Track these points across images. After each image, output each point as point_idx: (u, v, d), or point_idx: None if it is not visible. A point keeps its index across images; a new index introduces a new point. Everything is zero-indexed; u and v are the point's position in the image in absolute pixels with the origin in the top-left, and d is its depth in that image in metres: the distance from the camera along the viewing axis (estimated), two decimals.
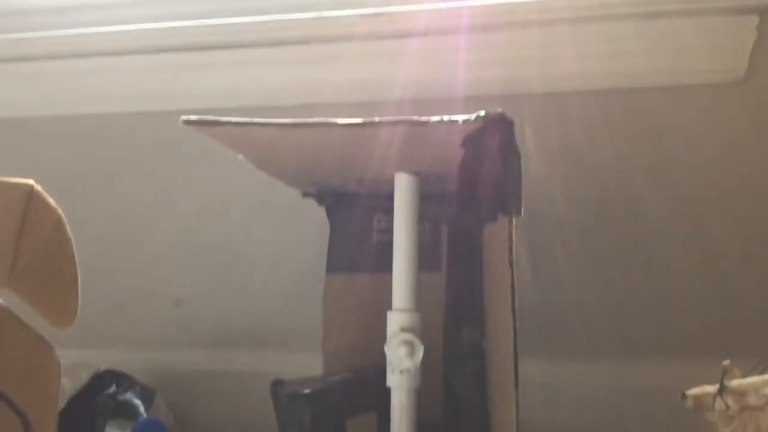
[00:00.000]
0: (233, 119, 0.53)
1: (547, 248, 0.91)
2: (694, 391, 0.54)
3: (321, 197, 0.81)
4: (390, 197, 0.66)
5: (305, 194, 0.81)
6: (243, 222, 1.03)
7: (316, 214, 0.81)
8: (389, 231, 0.67)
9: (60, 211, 0.35)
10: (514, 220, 0.50)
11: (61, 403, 0.86)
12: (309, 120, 0.53)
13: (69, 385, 0.92)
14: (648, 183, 0.92)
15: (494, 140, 0.53)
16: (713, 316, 0.92)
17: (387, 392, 0.63)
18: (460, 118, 0.51)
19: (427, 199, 0.70)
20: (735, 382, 0.48)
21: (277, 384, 0.70)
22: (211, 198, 1.04)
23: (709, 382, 0.55)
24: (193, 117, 0.53)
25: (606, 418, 0.89)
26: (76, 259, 0.35)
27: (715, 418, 0.51)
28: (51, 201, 0.35)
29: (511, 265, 0.48)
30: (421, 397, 0.63)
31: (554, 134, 0.92)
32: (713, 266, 0.91)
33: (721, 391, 0.49)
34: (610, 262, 0.94)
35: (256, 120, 0.53)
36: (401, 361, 0.61)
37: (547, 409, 0.90)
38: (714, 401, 0.50)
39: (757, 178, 0.90)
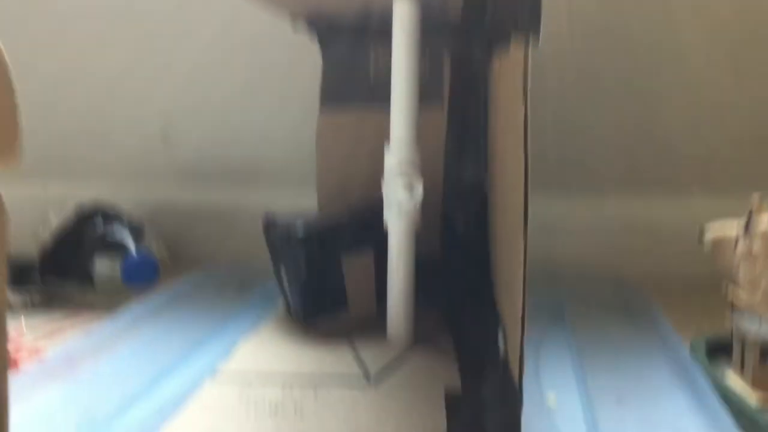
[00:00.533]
0: None
1: (551, 75, 0.85)
2: (713, 226, 0.51)
3: (313, 29, 0.73)
4: (387, 26, 0.59)
5: (296, 25, 0.73)
6: (234, 52, 0.96)
7: (309, 50, 0.74)
8: (387, 63, 0.61)
9: None
10: (530, 42, 0.43)
11: (47, 236, 0.84)
12: None
13: (54, 217, 0.89)
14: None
15: None
16: (733, 151, 0.88)
17: (384, 231, 0.60)
18: None
19: (428, 28, 0.63)
20: (764, 220, 0.45)
21: (270, 219, 0.67)
22: (198, 26, 0.95)
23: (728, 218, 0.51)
24: None
25: (613, 255, 0.88)
26: (15, 88, 0.29)
27: (738, 257, 0.48)
28: None
29: (525, 94, 0.42)
30: (418, 235, 0.60)
31: None
32: (739, 92, 0.86)
33: (748, 228, 0.46)
34: (622, 91, 0.88)
35: None
36: (399, 198, 0.57)
37: (550, 245, 0.88)
38: (738, 239, 0.47)
39: None
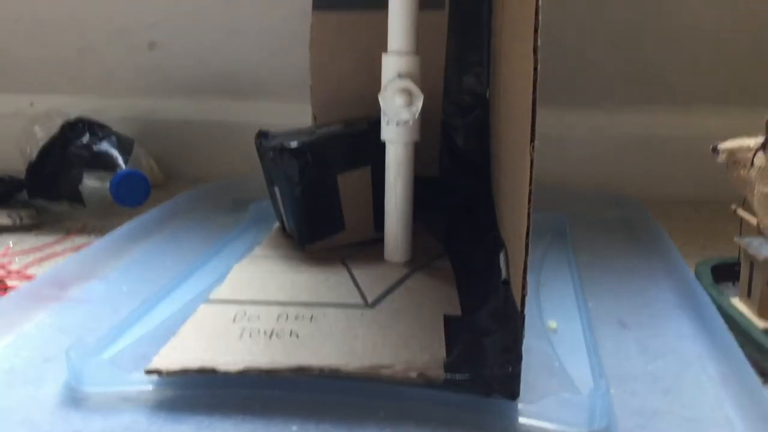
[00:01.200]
0: None
1: None
2: (729, 143, 0.48)
3: None
4: None
5: None
6: None
7: None
8: None
9: None
10: None
11: (34, 153, 0.81)
12: None
13: (41, 133, 0.86)
14: None
15: None
16: (745, 63, 0.84)
17: (382, 145, 0.57)
18: None
19: None
20: None
21: (263, 136, 0.64)
22: None
23: (742, 134, 0.49)
24: None
25: (618, 173, 0.86)
26: None
27: (753, 176, 0.45)
28: None
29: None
30: (417, 150, 0.57)
31: None
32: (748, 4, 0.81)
33: (766, 145, 0.43)
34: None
35: None
36: (398, 112, 0.54)
37: (553, 161, 0.86)
38: (754, 156, 0.44)
39: None
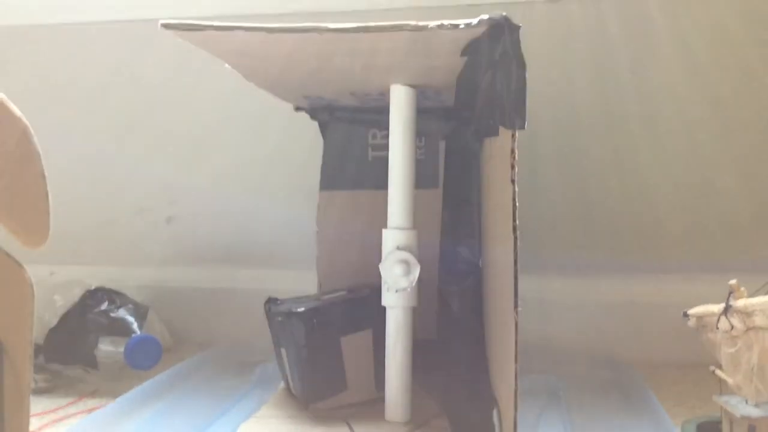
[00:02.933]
0: (215, 23, 0.49)
1: (541, 160, 0.89)
2: (696, 309, 0.53)
3: (313, 111, 0.78)
4: (385, 111, 0.63)
5: (297, 108, 0.78)
6: (236, 139, 1.00)
7: (311, 130, 0.78)
8: (385, 147, 0.65)
9: (26, 121, 0.32)
10: (516, 134, 0.47)
11: (54, 320, 0.86)
12: (297, 24, 0.49)
13: (61, 301, 0.91)
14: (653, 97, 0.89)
15: (498, 48, 0.50)
16: (714, 232, 0.91)
17: (382, 310, 0.62)
18: (461, 22, 0.47)
19: (423, 113, 0.67)
20: (741, 302, 0.47)
21: (271, 302, 0.69)
22: (201, 114, 1.00)
23: (711, 301, 0.54)
24: (172, 20, 0.49)
25: (601, 335, 0.90)
26: (46, 174, 0.32)
27: (719, 338, 0.50)
28: (15, 110, 0.32)
29: (513, 182, 0.45)
30: (415, 314, 0.62)
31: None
32: (713, 179, 0.90)
33: (727, 310, 0.48)
34: (608, 174, 0.92)
35: (239, 24, 0.49)
36: (397, 281, 0.60)
37: (541, 325, 0.90)
38: (718, 321, 0.49)
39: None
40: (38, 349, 0.83)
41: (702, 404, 0.71)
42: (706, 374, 0.57)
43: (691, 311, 0.53)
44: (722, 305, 0.49)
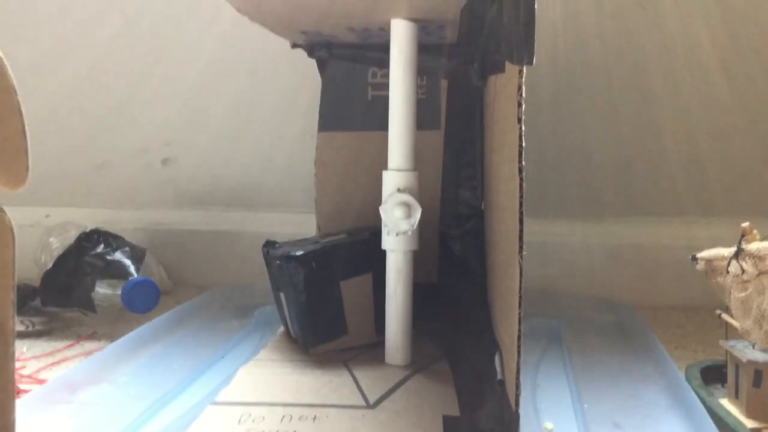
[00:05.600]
0: None
1: (549, 99, 0.87)
2: (706, 253, 0.52)
3: (311, 48, 0.75)
4: (386, 49, 0.60)
5: (294, 45, 0.75)
6: (234, 79, 0.97)
7: (309, 68, 0.76)
8: (385, 86, 0.62)
9: None
10: (524, 70, 0.44)
11: (49, 263, 0.85)
12: None
13: (57, 243, 0.90)
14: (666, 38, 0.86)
15: None
16: (726, 174, 0.89)
17: (383, 254, 0.60)
18: None
19: (425, 50, 0.64)
20: (754, 245, 0.46)
21: (270, 245, 0.67)
22: (198, 54, 0.97)
23: (717, 244, 0.52)
24: None
25: (603, 278, 0.89)
26: (23, 110, 0.30)
27: (729, 283, 0.48)
28: None
29: (520, 120, 0.43)
30: (416, 259, 0.61)
31: None
32: (725, 122, 0.87)
33: (738, 253, 0.46)
34: (615, 116, 0.90)
35: None
36: (397, 223, 0.58)
37: (543, 268, 0.89)
38: (729, 264, 0.47)
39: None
40: (34, 292, 0.82)
41: (705, 348, 0.71)
42: (709, 318, 0.57)
43: (700, 254, 0.52)
44: (733, 248, 0.48)
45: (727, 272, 0.48)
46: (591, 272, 0.90)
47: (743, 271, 0.46)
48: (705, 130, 0.88)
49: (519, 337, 0.42)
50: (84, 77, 0.99)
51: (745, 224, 0.47)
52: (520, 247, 0.42)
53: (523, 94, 0.44)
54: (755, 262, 0.45)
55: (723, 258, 0.49)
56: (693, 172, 0.89)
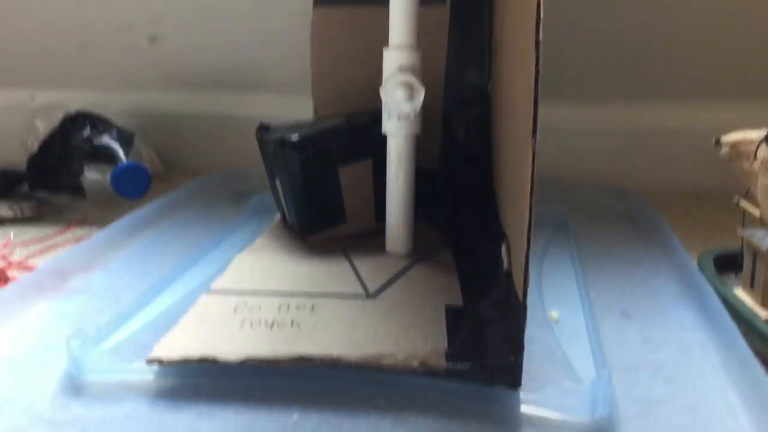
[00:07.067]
0: None
1: None
2: (731, 136, 0.48)
3: None
4: None
5: None
6: None
7: None
8: None
9: None
10: None
11: (35, 146, 0.81)
12: None
13: (42, 126, 0.87)
14: None
15: None
16: (747, 55, 0.84)
17: (383, 138, 0.57)
18: None
19: None
20: None
21: (264, 129, 0.64)
22: None
23: (735, 128, 0.49)
24: None
25: (612, 164, 0.86)
26: None
27: (756, 168, 0.45)
28: None
29: None
30: (418, 144, 0.57)
31: None
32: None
33: None
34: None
35: None
36: (399, 105, 0.54)
37: (550, 154, 0.86)
38: (758, 148, 0.44)
39: None
40: (22, 177, 0.79)
41: (717, 236, 0.68)
42: (721, 204, 0.54)
43: (725, 138, 0.48)
44: (763, 131, 0.44)
45: (755, 157, 0.45)
46: (601, 158, 0.86)
47: None
48: (726, 4, 0.82)
49: (529, 226, 0.39)
50: None
51: None
52: (534, 131, 0.38)
53: None
54: None
55: (751, 141, 0.45)
56: (709, 52, 0.84)
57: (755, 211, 0.49)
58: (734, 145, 0.47)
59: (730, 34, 0.83)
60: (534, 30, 0.38)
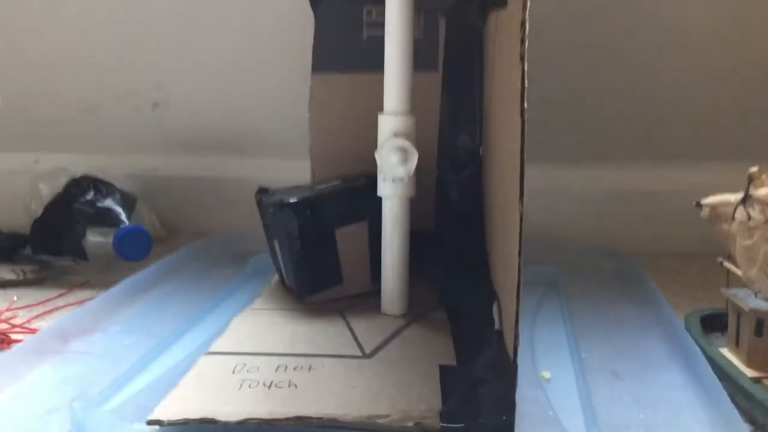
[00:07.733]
0: None
1: (548, 43, 0.84)
2: (711, 199, 0.50)
3: None
4: None
5: None
6: (227, 20, 0.94)
7: (304, 7, 0.72)
8: (381, 25, 0.59)
9: None
10: (528, 3, 0.42)
11: (39, 210, 0.83)
12: None
13: (47, 190, 0.88)
14: None
15: None
16: (727, 119, 0.87)
17: (379, 201, 0.59)
18: None
19: None
20: (763, 191, 0.44)
21: (263, 191, 0.66)
22: None
23: (718, 190, 0.51)
24: None
25: (601, 225, 0.88)
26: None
27: (734, 230, 0.47)
28: None
29: (522, 58, 0.41)
30: (413, 206, 0.59)
31: None
32: (728, 64, 0.85)
33: (746, 199, 0.45)
34: (616, 60, 0.87)
35: None
36: (394, 169, 0.56)
37: (541, 215, 0.88)
38: (735, 211, 0.46)
39: None
40: (25, 240, 0.81)
41: (705, 295, 0.70)
42: (709, 265, 0.55)
43: (705, 200, 0.50)
44: (740, 194, 0.46)
45: (733, 219, 0.47)
46: (590, 219, 0.88)
47: (750, 217, 0.45)
48: (708, 69, 0.85)
49: (518, 286, 0.41)
50: (71, 18, 0.96)
51: (753, 169, 0.46)
52: (521, 193, 0.40)
53: (527, 31, 0.42)
54: (763, 208, 0.44)
55: (729, 204, 0.47)
56: (693, 116, 0.87)
57: (738, 272, 0.50)
58: (713, 208, 0.49)
59: (712, 97, 0.86)
60: (519, 99, 0.40)
